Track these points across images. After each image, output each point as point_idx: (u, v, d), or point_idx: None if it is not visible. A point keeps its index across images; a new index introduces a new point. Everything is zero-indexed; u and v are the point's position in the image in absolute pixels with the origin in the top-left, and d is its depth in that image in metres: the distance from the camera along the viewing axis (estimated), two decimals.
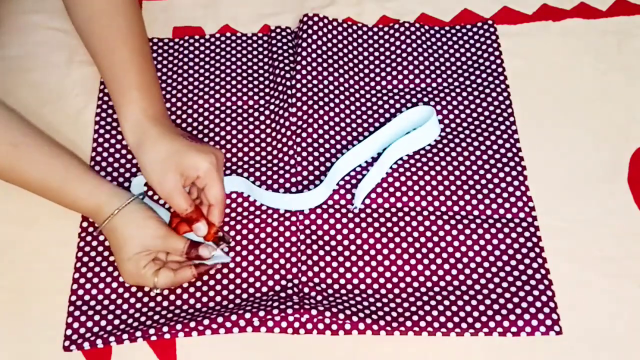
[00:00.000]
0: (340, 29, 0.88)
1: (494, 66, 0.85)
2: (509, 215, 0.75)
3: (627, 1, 0.90)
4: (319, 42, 0.85)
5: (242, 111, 0.83)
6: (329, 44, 0.86)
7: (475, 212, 0.75)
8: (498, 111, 0.82)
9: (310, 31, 0.85)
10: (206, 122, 0.82)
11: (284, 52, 0.86)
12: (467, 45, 0.87)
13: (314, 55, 0.84)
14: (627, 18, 0.89)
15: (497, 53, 0.86)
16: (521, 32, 0.89)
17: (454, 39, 0.88)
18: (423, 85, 0.84)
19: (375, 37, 0.88)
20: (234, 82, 0.85)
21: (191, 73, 0.86)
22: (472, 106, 0.82)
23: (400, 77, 0.85)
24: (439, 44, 0.87)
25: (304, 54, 0.84)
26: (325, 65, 0.84)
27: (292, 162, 0.78)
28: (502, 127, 0.80)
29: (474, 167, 0.78)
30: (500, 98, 0.83)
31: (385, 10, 0.91)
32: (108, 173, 0.79)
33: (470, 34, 0.88)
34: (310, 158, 0.78)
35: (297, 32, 0.87)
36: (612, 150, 0.80)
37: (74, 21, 0.75)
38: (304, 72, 0.83)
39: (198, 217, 0.69)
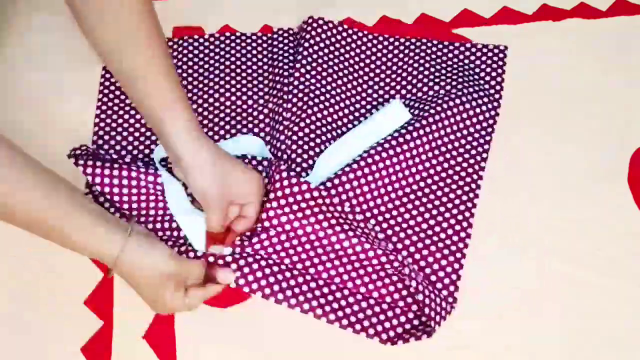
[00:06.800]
0: (345, 34, 0.87)
1: (492, 91, 0.84)
2: (443, 235, 0.74)
3: (627, 1, 0.90)
4: (321, 45, 0.85)
5: (242, 111, 0.83)
6: (331, 47, 0.86)
7: (417, 229, 0.75)
8: (481, 141, 0.80)
9: (312, 33, 0.85)
10: (205, 122, 0.82)
11: (284, 53, 0.86)
12: (472, 65, 0.85)
13: (314, 56, 0.84)
14: (627, 18, 0.89)
15: (499, 79, 0.84)
16: (521, 32, 0.89)
17: (461, 57, 0.86)
18: (419, 94, 0.83)
19: (380, 47, 0.88)
20: (233, 82, 0.85)
21: (191, 73, 0.86)
22: (460, 125, 0.80)
23: (398, 87, 0.84)
24: (444, 58, 0.86)
25: (305, 54, 0.84)
26: (325, 66, 0.84)
27: (291, 162, 0.78)
28: (475, 158, 0.79)
29: (433, 187, 0.77)
30: (488, 130, 0.81)
31: (385, 11, 0.91)
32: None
33: (478, 54, 0.87)
34: (310, 161, 0.78)
35: (298, 35, 0.87)
36: (612, 150, 0.80)
37: (96, 45, 0.66)
38: (303, 73, 0.83)
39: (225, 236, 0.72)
